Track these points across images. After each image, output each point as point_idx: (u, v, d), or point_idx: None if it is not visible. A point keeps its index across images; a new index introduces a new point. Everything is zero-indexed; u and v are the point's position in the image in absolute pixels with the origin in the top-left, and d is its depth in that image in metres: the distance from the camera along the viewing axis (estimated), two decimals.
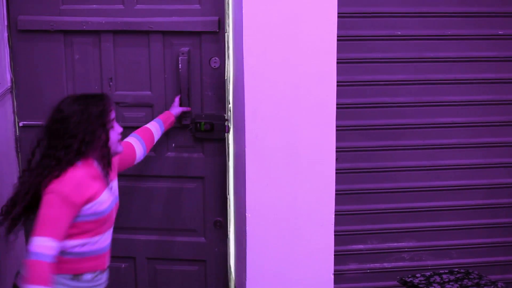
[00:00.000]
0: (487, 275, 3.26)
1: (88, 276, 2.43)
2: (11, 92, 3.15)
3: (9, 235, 2.40)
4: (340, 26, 2.78)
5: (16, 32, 3.09)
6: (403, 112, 3.32)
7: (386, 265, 3.46)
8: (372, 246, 3.43)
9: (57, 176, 2.30)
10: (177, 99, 3.10)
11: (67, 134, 2.34)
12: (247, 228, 2.80)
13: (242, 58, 2.68)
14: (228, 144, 3.19)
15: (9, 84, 3.12)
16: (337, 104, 2.76)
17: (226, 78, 3.12)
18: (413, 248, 3.45)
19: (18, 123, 3.18)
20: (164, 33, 3.09)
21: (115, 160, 2.60)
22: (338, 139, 2.85)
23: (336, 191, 2.83)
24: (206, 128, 3.14)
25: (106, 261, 2.53)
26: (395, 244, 3.45)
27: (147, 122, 3.01)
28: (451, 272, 3.20)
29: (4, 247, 3.00)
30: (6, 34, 3.09)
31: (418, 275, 3.19)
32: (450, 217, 3.44)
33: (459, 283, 3.08)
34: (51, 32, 3.08)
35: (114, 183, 2.56)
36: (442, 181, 3.40)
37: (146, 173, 3.23)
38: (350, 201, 3.36)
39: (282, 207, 2.81)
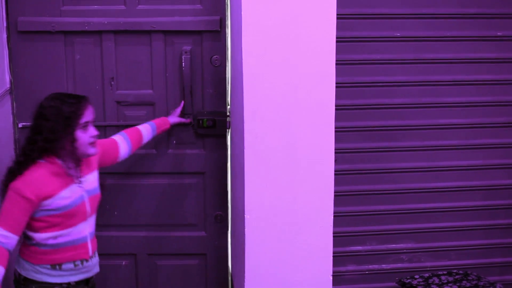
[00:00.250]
0: (485, 276, 3.26)
1: (68, 266, 2.58)
2: (10, 93, 3.15)
3: None
4: (339, 27, 2.78)
5: (16, 33, 3.10)
6: (402, 114, 3.32)
7: (384, 266, 3.46)
8: (370, 247, 3.43)
9: (20, 173, 2.45)
10: (179, 109, 3.14)
11: (36, 130, 2.48)
12: (246, 229, 2.79)
13: (241, 58, 2.68)
14: (230, 138, 3.22)
15: (8, 85, 3.13)
16: (336, 105, 2.75)
17: (227, 76, 3.16)
18: (412, 249, 3.45)
19: (17, 124, 3.18)
20: (165, 32, 3.13)
21: (94, 157, 2.67)
22: (337, 140, 2.85)
23: (335, 192, 2.82)
24: (208, 125, 3.19)
25: (88, 251, 2.63)
26: (394, 246, 3.44)
27: (148, 121, 3.07)
28: (449, 274, 3.21)
29: None
30: (5, 36, 3.09)
31: (416, 276, 3.20)
32: (448, 218, 3.44)
33: (457, 284, 3.08)
34: (52, 33, 3.10)
35: (89, 178, 2.63)
36: (441, 182, 3.40)
37: (148, 170, 3.26)
38: (349, 203, 3.36)
39: (281, 208, 2.80)
